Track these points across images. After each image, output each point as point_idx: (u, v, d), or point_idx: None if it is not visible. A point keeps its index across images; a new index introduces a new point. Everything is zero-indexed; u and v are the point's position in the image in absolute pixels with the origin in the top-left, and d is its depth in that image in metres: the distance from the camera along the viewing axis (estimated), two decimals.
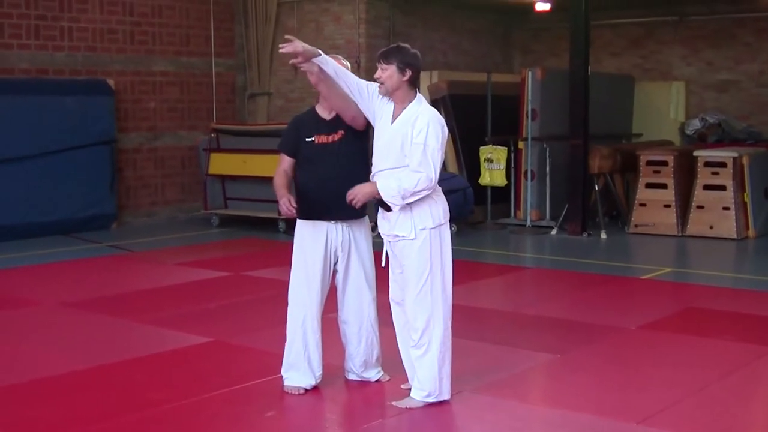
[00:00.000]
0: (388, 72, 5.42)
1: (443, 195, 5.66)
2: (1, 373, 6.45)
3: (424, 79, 14.64)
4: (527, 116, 13.84)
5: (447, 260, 5.61)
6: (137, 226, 14.41)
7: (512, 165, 13.91)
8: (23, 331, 7.83)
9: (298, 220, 5.87)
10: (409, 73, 5.43)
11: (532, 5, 16.02)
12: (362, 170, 5.74)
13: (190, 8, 15.33)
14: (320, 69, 5.55)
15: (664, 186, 13.13)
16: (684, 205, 13.06)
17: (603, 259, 11.45)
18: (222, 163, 14.24)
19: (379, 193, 5.41)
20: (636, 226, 13.25)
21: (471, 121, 14.08)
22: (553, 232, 13.25)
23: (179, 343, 7.24)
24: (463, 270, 10.49)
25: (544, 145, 13.79)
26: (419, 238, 5.51)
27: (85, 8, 13.95)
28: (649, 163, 13.31)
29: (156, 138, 15.02)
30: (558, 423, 5.50)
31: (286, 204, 5.68)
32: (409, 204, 5.45)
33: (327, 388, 5.97)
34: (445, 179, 13.07)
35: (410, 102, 5.49)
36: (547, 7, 15.92)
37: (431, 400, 5.61)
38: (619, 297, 9.23)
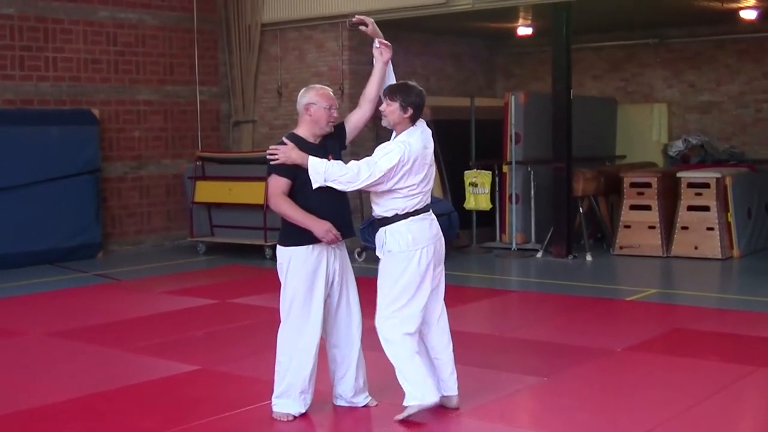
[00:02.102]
0: (391, 108, 5.84)
1: (422, 224, 5.85)
2: None
3: None
4: (511, 140, 13.92)
5: (409, 286, 5.78)
6: (123, 254, 14.39)
7: (497, 189, 13.97)
8: (10, 361, 7.81)
9: (291, 247, 5.81)
10: (410, 111, 5.83)
11: (514, 30, 16.14)
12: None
13: (173, 37, 15.39)
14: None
15: (648, 207, 13.20)
16: (668, 226, 13.13)
17: (589, 282, 11.49)
18: (207, 191, 14.25)
19: (300, 161, 5.66)
20: (621, 247, 13.31)
21: (455, 146, 14.15)
22: (539, 255, 13.29)
23: (167, 372, 7.23)
24: (449, 294, 10.45)
25: (529, 169, 13.86)
26: (384, 258, 5.86)
27: (69, 39, 13.99)
28: (633, 184, 13.39)
29: (141, 167, 15.03)
30: None
31: (333, 231, 5.70)
32: (384, 227, 5.83)
33: (315, 414, 5.96)
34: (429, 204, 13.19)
35: (405, 130, 5.85)
36: (529, 31, 16.05)
37: (414, 403, 5.75)
38: (605, 319, 9.26)
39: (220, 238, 14.34)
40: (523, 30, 16.05)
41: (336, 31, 14.97)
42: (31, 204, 13.03)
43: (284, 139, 5.78)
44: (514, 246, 13.83)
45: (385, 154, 5.69)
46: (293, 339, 5.82)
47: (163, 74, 15.27)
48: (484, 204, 13.64)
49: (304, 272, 5.79)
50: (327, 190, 5.71)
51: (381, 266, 5.89)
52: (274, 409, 5.91)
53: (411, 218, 5.79)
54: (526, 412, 6.45)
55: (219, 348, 8.01)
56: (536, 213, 13.80)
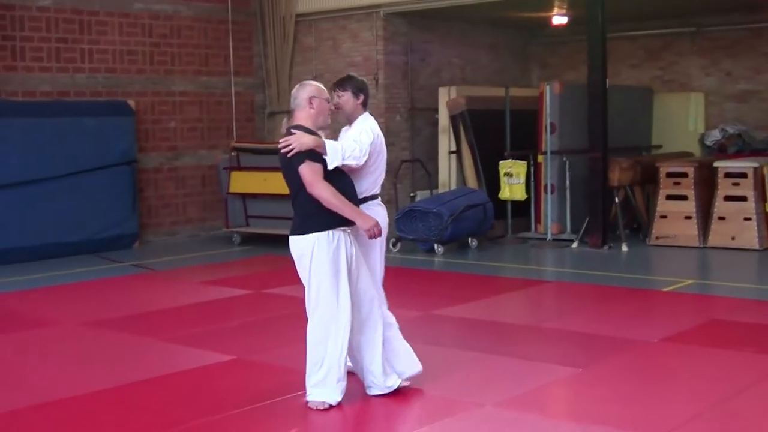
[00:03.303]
0: (345, 97, 6.27)
1: (377, 208, 6.23)
2: (24, 393, 6.50)
3: (443, 94, 14.71)
4: (546, 130, 13.85)
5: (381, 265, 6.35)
6: (159, 245, 14.48)
7: (532, 179, 13.91)
8: (46, 350, 7.89)
9: (313, 234, 5.81)
10: (362, 97, 6.30)
11: (549, 19, 16.04)
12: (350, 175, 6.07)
13: (208, 28, 15.44)
14: None
15: (684, 197, 13.10)
16: (705, 216, 13.02)
17: (624, 272, 11.42)
18: (242, 182, 14.30)
19: (314, 145, 5.75)
20: (657, 238, 13.21)
21: (490, 136, 14.10)
22: (574, 245, 13.22)
23: (201, 362, 7.27)
24: (484, 284, 10.52)
25: (564, 159, 13.79)
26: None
27: (104, 30, 14.08)
28: (669, 174, 13.28)
29: (176, 157, 15.11)
30: None
31: (379, 226, 5.89)
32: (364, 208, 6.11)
33: (349, 403, 5.96)
34: (464, 194, 13.17)
35: (360, 116, 6.30)
36: (564, 20, 15.94)
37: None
38: (641, 310, 9.19)
39: (255, 229, 14.38)
40: (558, 19, 15.94)
41: (370, 21, 14.97)
42: (69, 195, 13.14)
43: (292, 130, 5.86)
44: (549, 236, 13.77)
45: (360, 132, 6.07)
46: (327, 326, 5.82)
47: (199, 65, 15.34)
48: (519, 194, 13.58)
49: (329, 257, 5.80)
50: (344, 175, 5.90)
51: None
52: (310, 398, 5.91)
53: (369, 202, 6.19)
54: (562, 403, 6.42)
55: (254, 338, 8.04)
56: (571, 203, 13.73)
